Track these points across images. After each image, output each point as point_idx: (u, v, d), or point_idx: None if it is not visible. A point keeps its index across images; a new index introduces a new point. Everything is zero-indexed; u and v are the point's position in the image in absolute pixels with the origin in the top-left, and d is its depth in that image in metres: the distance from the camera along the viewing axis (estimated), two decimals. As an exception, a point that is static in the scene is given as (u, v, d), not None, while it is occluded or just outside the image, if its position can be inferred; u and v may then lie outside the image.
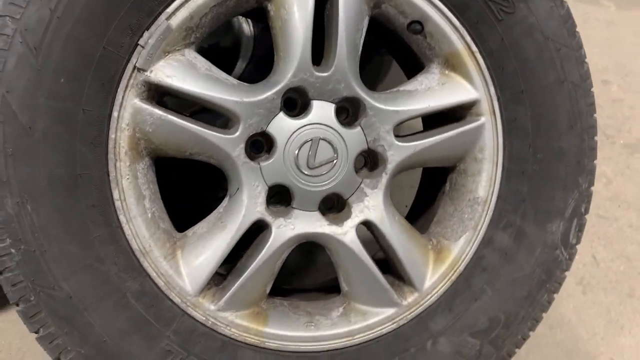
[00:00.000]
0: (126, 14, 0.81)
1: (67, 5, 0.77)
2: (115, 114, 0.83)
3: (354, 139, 0.95)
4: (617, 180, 1.77)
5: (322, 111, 0.94)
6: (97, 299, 0.82)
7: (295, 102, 0.96)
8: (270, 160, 0.92)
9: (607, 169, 1.79)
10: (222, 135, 0.88)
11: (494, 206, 0.99)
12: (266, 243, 0.92)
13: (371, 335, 0.96)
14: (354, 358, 0.94)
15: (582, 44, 0.99)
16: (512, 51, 0.95)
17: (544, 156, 0.98)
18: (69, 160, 0.80)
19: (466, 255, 0.99)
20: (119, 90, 0.83)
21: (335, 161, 0.94)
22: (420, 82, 0.99)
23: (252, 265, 0.91)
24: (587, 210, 1.02)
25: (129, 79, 0.83)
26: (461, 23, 0.94)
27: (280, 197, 0.98)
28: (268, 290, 0.96)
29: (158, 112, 0.85)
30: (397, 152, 0.96)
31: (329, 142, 0.94)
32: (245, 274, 0.91)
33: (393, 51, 1.16)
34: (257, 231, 0.96)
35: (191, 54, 0.89)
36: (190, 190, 1.25)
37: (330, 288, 1.14)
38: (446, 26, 0.94)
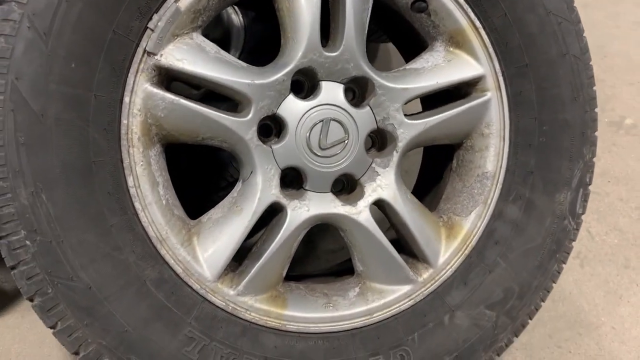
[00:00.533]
0: (135, -3, 0.79)
1: (75, -12, 0.75)
2: (126, 99, 0.81)
3: (363, 118, 0.96)
4: (605, 157, 1.82)
5: (331, 92, 0.94)
6: (117, 288, 0.80)
7: (302, 84, 0.96)
8: (282, 143, 0.92)
9: (594, 147, 1.83)
10: (235, 119, 0.88)
11: (502, 180, 1.00)
12: (282, 225, 0.92)
13: (389, 312, 0.96)
14: (374, 336, 0.95)
15: (580, 17, 1.01)
16: (515, 26, 0.96)
17: (549, 128, 1.00)
18: (82, 147, 0.78)
19: (478, 230, 1.00)
20: (129, 74, 0.81)
21: (346, 141, 0.94)
22: (426, 60, 0.99)
23: (270, 248, 0.90)
24: (590, 181, 1.05)
25: (139, 63, 0.82)
26: (465, 0, 0.95)
27: (291, 179, 0.98)
28: (284, 274, 0.96)
29: (170, 96, 0.84)
30: (407, 130, 0.97)
31: (340, 123, 0.94)
32: (264, 257, 0.90)
33: (392, 32, 1.16)
34: (268, 215, 0.96)
35: (199, 38, 0.88)
36: (195, 177, 1.24)
37: (336, 273, 1.14)
38: (450, 3, 0.95)
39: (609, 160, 1.81)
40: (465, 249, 1.00)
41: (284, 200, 0.92)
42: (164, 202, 0.86)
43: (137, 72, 0.82)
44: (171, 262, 0.85)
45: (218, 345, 0.86)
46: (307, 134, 0.92)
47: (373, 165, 0.98)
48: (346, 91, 0.96)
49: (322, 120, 0.93)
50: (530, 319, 1.04)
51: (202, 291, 0.87)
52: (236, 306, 0.89)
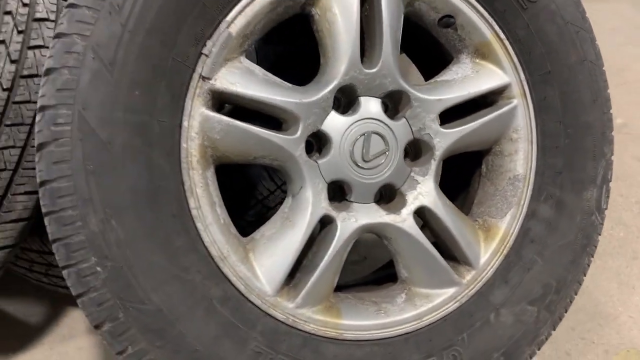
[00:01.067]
0: (191, 24, 0.82)
1: (137, 19, 0.78)
2: (185, 123, 0.84)
3: (400, 130, 1.00)
4: (601, 155, 1.91)
5: (370, 106, 0.98)
6: (186, 309, 0.82)
7: (339, 100, 1.00)
8: (328, 157, 0.95)
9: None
10: (286, 137, 0.91)
11: (533, 181, 1.06)
12: (333, 237, 0.95)
13: (438, 315, 1.00)
14: (426, 338, 0.98)
15: (592, 26, 1.08)
16: (537, 36, 1.03)
17: (573, 130, 1.06)
18: (148, 172, 0.80)
19: (514, 230, 1.05)
20: (187, 99, 0.84)
21: (387, 152, 0.99)
22: (455, 72, 1.05)
23: (324, 260, 0.93)
24: (611, 177, 1.11)
25: (195, 88, 0.84)
26: (489, 14, 1.01)
27: (334, 192, 1.01)
28: (335, 284, 0.98)
29: (226, 119, 0.86)
30: (443, 139, 1.01)
31: (380, 135, 0.98)
32: (319, 269, 0.93)
33: (412, 47, 1.22)
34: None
35: (246, 61, 0.91)
36: (226, 196, 1.26)
37: (364, 283, 1.18)
38: (476, 18, 1.01)
39: (604, 159, 1.90)
40: (504, 249, 1.04)
41: (333, 213, 0.95)
42: (222, 221, 0.88)
43: (193, 96, 0.84)
44: (233, 279, 0.87)
45: (283, 358, 0.88)
46: (351, 148, 0.96)
47: (412, 174, 1.02)
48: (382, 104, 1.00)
49: (363, 134, 0.97)
50: (566, 311, 1.09)
51: (263, 306, 0.89)
52: (296, 318, 0.91)
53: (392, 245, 1.02)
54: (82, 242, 0.76)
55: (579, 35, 1.04)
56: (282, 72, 1.00)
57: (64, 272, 0.79)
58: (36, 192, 1.04)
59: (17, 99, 0.97)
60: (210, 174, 0.89)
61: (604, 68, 1.10)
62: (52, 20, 1.05)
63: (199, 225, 0.85)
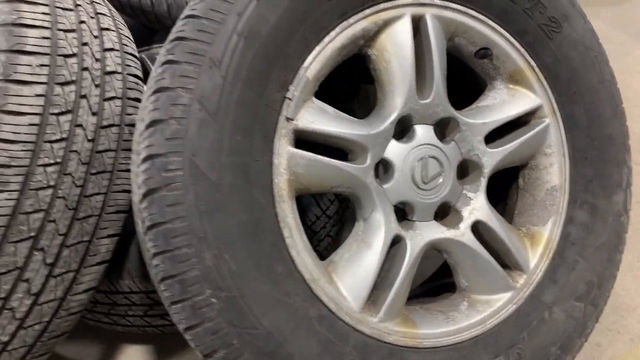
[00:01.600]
0: (278, 72, 0.91)
1: (235, 71, 0.87)
2: (275, 161, 0.92)
3: (451, 152, 1.11)
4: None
5: (424, 133, 1.09)
6: (291, 330, 0.89)
7: (395, 129, 1.10)
8: (392, 182, 1.05)
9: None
10: (359, 166, 1.00)
11: (568, 190, 1.18)
12: (404, 254, 1.04)
13: (500, 318, 1.10)
14: (492, 340, 1.08)
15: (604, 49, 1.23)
16: (563, 62, 1.16)
17: (599, 142, 1.19)
18: (250, 207, 0.88)
19: (556, 235, 1.17)
20: (275, 139, 0.93)
21: (443, 174, 1.09)
22: (492, 97, 1.17)
23: (400, 276, 1.02)
24: (632, 181, 1.25)
25: (282, 129, 0.93)
26: (521, 45, 1.14)
27: (396, 213, 1.11)
28: (407, 298, 1.07)
29: (308, 154, 0.95)
30: (490, 158, 1.13)
31: (436, 159, 1.09)
32: (396, 284, 1.02)
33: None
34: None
35: (317, 101, 1.00)
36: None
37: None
38: (509, 49, 1.14)
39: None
40: (549, 253, 1.16)
41: (402, 232, 1.05)
42: (307, 246, 0.97)
43: (280, 136, 0.93)
44: (325, 299, 0.95)
45: (375, 369, 0.96)
46: (411, 172, 1.06)
47: (464, 191, 1.13)
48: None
49: (421, 158, 1.07)
50: (606, 304, 1.20)
51: (352, 322, 0.97)
52: (380, 332, 0.99)
53: (452, 258, 1.12)
54: (197, 276, 0.83)
55: (597, 59, 1.18)
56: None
57: (176, 307, 0.85)
58: (117, 235, 1.10)
59: (100, 148, 1.04)
60: (294, 204, 0.97)
61: (617, 85, 1.24)
62: (120, 73, 1.13)
63: (292, 252, 0.93)
